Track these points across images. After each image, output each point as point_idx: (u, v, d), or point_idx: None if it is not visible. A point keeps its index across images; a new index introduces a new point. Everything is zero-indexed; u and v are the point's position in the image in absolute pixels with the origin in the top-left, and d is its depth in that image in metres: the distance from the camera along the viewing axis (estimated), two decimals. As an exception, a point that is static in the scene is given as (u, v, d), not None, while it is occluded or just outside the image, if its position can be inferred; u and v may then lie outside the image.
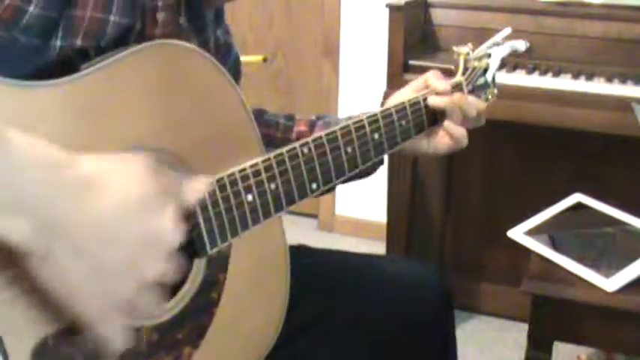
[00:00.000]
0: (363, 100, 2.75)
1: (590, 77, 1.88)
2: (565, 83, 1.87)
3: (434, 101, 1.05)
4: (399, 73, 1.95)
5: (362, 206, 2.92)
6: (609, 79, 1.86)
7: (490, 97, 1.18)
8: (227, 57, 1.04)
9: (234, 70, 1.04)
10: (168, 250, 0.66)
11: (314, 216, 3.04)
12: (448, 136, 1.07)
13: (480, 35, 1.99)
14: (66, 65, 0.74)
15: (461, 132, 1.06)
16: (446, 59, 1.98)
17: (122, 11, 0.77)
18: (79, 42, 0.75)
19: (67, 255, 0.60)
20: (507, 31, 1.18)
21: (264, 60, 2.43)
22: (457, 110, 1.05)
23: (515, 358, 2.10)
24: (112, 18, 0.77)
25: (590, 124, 1.84)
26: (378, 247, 2.49)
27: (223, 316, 0.83)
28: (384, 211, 2.19)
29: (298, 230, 2.96)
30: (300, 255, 1.08)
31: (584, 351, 2.04)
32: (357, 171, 0.95)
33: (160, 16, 0.82)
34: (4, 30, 0.70)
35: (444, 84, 1.06)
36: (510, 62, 1.95)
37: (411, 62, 1.96)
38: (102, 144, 0.70)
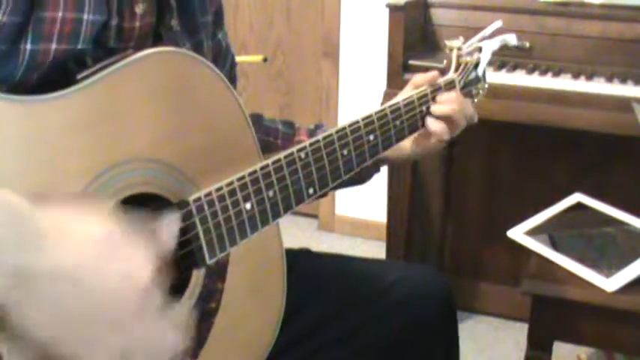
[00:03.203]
0: (363, 100, 2.76)
1: (590, 77, 1.88)
2: (565, 83, 1.86)
3: (439, 109, 1.05)
4: (399, 73, 1.95)
5: (362, 206, 2.92)
6: (609, 79, 1.86)
7: (480, 91, 1.17)
8: (225, 60, 1.04)
9: (230, 74, 1.04)
10: (145, 289, 0.60)
11: (314, 216, 3.04)
12: (431, 135, 1.07)
13: (480, 35, 2.00)
14: (61, 72, 0.72)
15: (441, 127, 1.06)
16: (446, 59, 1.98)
17: (95, 8, 0.74)
18: (54, 45, 0.72)
19: (35, 305, 0.56)
20: (498, 23, 1.17)
21: (264, 60, 2.43)
22: (460, 113, 1.06)
23: (515, 358, 2.10)
24: (85, 17, 0.74)
25: (590, 124, 1.84)
26: (378, 247, 2.49)
27: (222, 324, 0.82)
28: (384, 211, 2.19)
29: (298, 230, 2.97)
30: (303, 259, 1.08)
31: (584, 351, 2.04)
32: (351, 174, 0.95)
33: (139, 8, 0.80)
34: None
35: (434, 73, 1.07)
36: (510, 62, 1.95)
37: (411, 62, 1.96)
38: (103, 157, 0.70)
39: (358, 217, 2.96)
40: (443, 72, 1.13)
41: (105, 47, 0.78)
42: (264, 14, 2.97)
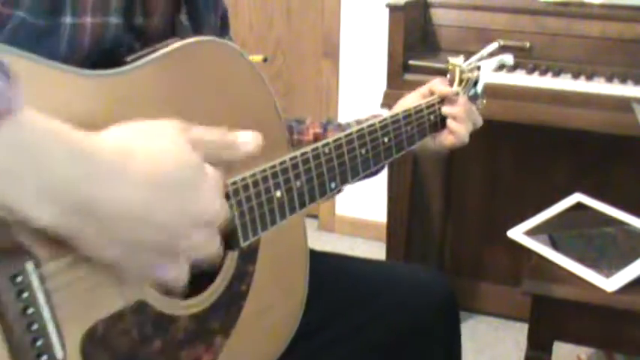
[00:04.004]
0: (363, 100, 2.76)
1: (590, 77, 1.88)
2: (565, 83, 1.86)
3: (448, 110, 1.15)
4: (399, 73, 1.95)
5: (362, 206, 2.92)
6: (609, 79, 1.86)
7: (479, 107, 1.25)
8: None
9: None
10: (210, 225, 0.66)
11: (314, 216, 3.04)
12: (452, 135, 1.16)
13: (480, 35, 2.00)
14: (110, 56, 0.75)
15: (464, 130, 1.16)
16: (446, 59, 1.98)
17: None
18: (89, 19, 0.74)
19: (99, 236, 0.59)
20: (495, 45, 1.28)
21: (264, 60, 2.43)
22: (465, 116, 1.15)
23: (515, 358, 2.10)
24: None
25: (590, 124, 1.84)
26: (378, 247, 2.49)
27: (251, 308, 0.86)
28: (384, 211, 2.19)
29: (298, 230, 2.96)
30: None
31: (584, 351, 2.04)
32: (367, 172, 1.01)
33: None
34: (10, 8, 0.68)
35: (450, 89, 1.17)
36: (510, 62, 1.95)
37: (411, 62, 1.95)
38: None
39: (358, 217, 2.96)
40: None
41: (132, 23, 0.80)
42: (264, 14, 2.97)
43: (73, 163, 0.56)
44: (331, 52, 2.85)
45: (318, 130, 1.17)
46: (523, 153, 2.23)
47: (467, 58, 1.24)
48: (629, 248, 1.48)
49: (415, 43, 2.02)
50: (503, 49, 1.30)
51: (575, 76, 1.89)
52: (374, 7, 2.59)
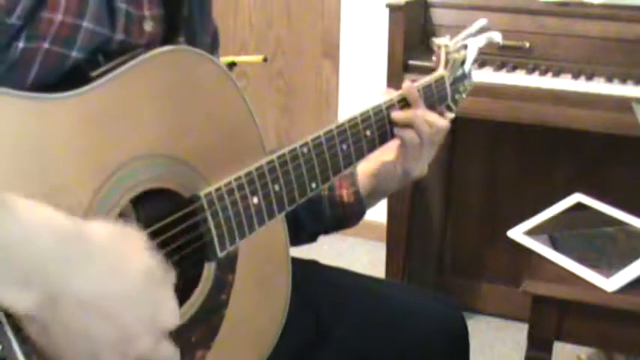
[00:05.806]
0: (363, 100, 2.75)
1: (590, 77, 1.88)
2: (565, 83, 1.86)
3: (397, 115, 1.03)
4: (399, 73, 1.95)
5: (362, 206, 2.92)
6: (609, 79, 1.86)
7: (468, 88, 1.19)
8: None
9: None
10: (164, 330, 0.65)
11: (314, 216, 3.03)
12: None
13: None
14: (74, 72, 0.73)
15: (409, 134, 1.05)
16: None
17: (97, 18, 0.74)
18: (46, 45, 0.72)
19: (63, 326, 0.59)
20: (482, 22, 1.18)
21: (264, 60, 2.43)
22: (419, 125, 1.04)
23: (515, 358, 2.10)
24: (84, 24, 0.74)
25: (590, 124, 1.84)
26: (378, 247, 2.49)
27: (232, 316, 0.84)
28: (384, 211, 2.19)
29: (298, 230, 2.96)
30: (314, 272, 1.09)
31: (584, 351, 2.04)
32: (350, 168, 0.97)
33: (148, 26, 0.81)
34: None
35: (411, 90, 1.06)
36: (510, 62, 1.95)
37: (411, 62, 1.96)
38: (114, 154, 0.71)
39: (358, 217, 2.95)
40: (432, 69, 1.15)
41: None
42: (264, 14, 2.97)
43: (55, 252, 0.58)
44: (331, 52, 2.85)
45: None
46: (523, 153, 2.23)
47: (453, 38, 1.17)
48: (629, 248, 1.48)
49: (415, 44, 2.02)
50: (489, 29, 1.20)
51: (575, 76, 1.89)
52: (374, 7, 2.59)
